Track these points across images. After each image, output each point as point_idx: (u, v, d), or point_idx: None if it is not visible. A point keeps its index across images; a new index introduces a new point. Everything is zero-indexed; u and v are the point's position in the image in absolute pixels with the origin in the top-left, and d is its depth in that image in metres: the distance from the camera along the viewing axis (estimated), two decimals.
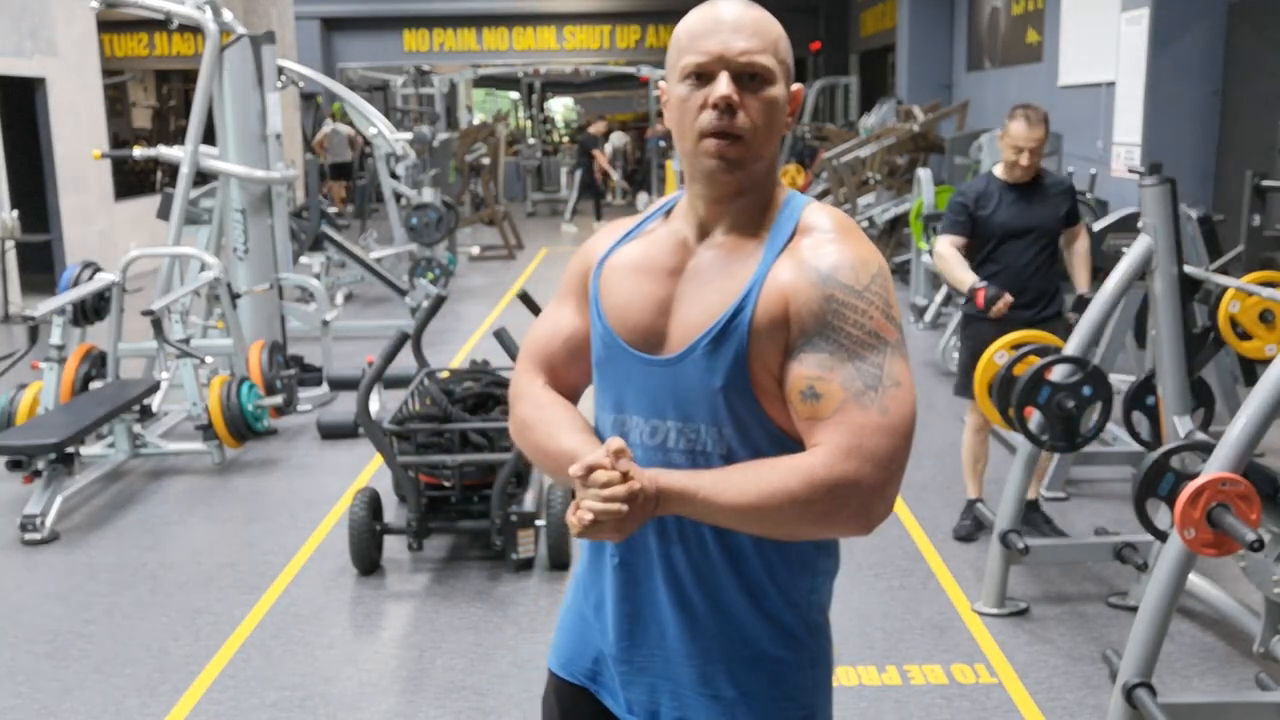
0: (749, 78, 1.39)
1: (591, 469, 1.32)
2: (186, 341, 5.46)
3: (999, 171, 4.24)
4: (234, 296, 6.01)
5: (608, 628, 1.56)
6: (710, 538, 1.46)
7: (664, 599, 1.50)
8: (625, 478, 1.32)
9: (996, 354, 3.93)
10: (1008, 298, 3.94)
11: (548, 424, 1.52)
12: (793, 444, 1.41)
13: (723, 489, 1.36)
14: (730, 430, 1.42)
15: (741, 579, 1.47)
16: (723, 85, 1.37)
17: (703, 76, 1.39)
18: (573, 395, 1.60)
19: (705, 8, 1.43)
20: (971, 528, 4.41)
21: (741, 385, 1.39)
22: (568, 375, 1.59)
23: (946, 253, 4.17)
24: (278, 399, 5.69)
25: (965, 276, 4.07)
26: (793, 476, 1.33)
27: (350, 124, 15.61)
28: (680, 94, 1.42)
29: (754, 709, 1.49)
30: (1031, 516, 4.21)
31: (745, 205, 1.45)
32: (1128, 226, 4.68)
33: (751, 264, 1.42)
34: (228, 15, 6.46)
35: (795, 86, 1.45)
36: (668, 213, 1.55)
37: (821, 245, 1.40)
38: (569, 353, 1.58)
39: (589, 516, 1.31)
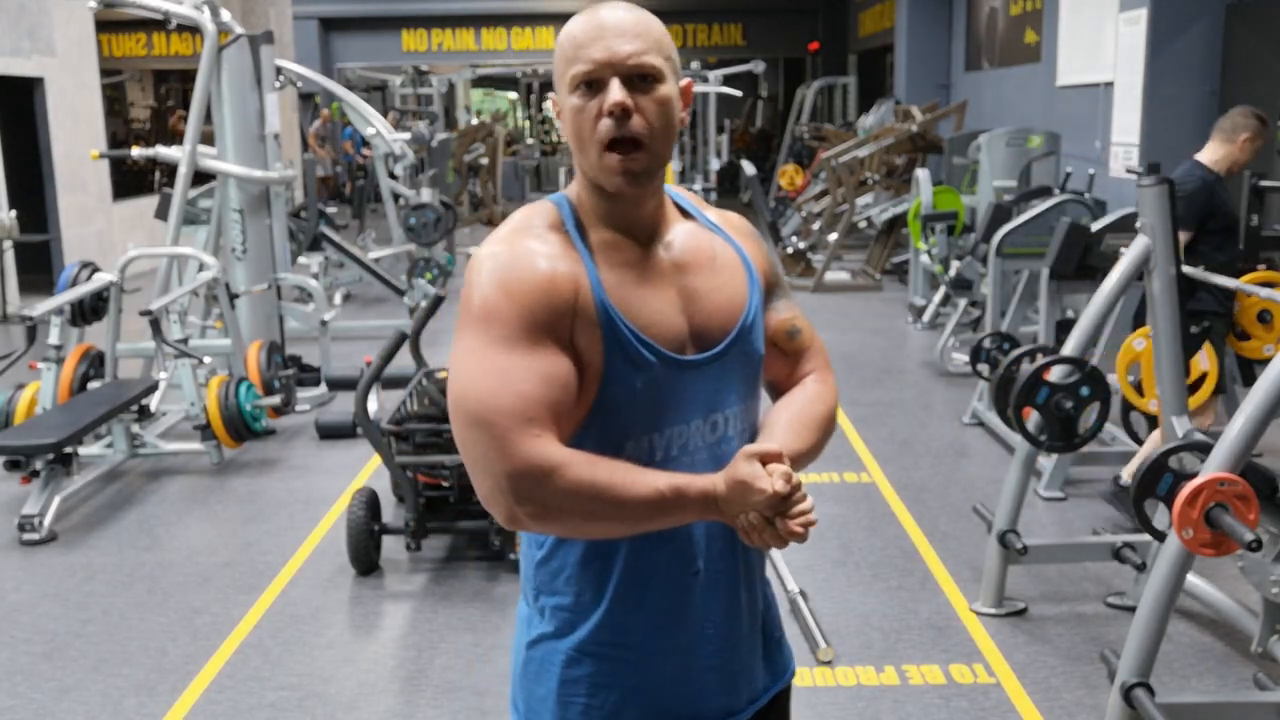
0: (639, 79, 1.38)
1: (791, 480, 1.33)
2: (185, 341, 5.46)
3: (1217, 166, 4.38)
4: (232, 296, 6.01)
5: (698, 648, 1.50)
6: None
7: (740, 583, 1.53)
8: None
9: (1137, 340, 3.97)
10: None
11: (619, 474, 1.34)
12: None
13: (793, 441, 1.48)
14: (754, 394, 1.55)
15: None
16: (615, 92, 1.37)
17: (593, 84, 1.38)
18: None
19: (586, 15, 1.41)
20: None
21: (762, 347, 1.55)
22: (564, 429, 1.38)
23: None
24: (276, 399, 5.68)
25: None
26: (824, 402, 1.57)
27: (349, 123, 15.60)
28: (574, 105, 1.40)
29: (784, 648, 1.66)
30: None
31: (660, 196, 1.49)
32: (1126, 227, 4.68)
33: (721, 244, 1.53)
34: (226, 15, 6.45)
35: (684, 80, 1.46)
36: (577, 225, 1.45)
37: (733, 216, 1.60)
38: (569, 402, 1.38)
39: (801, 527, 1.34)
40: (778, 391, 1.62)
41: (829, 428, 1.56)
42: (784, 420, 1.52)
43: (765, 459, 1.34)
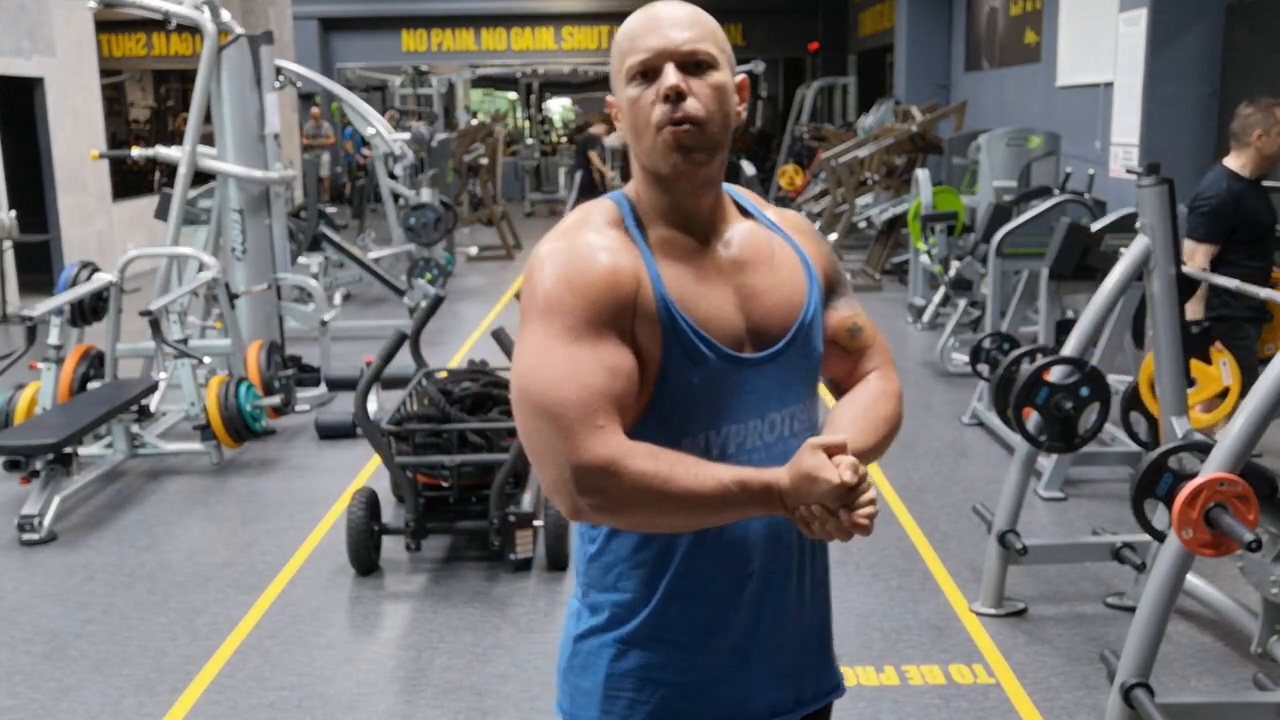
0: (694, 66, 1.41)
1: (859, 470, 1.30)
2: (184, 342, 5.46)
3: (1245, 170, 4.25)
4: (232, 296, 6.01)
5: (748, 648, 1.50)
6: None
7: (793, 585, 1.52)
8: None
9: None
10: None
11: (681, 467, 1.33)
12: None
13: (858, 437, 1.46)
14: (813, 393, 1.54)
15: None
16: (670, 75, 1.39)
17: (649, 74, 1.41)
18: None
19: (642, 11, 1.45)
20: None
21: (821, 346, 1.55)
22: (624, 422, 1.37)
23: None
24: (276, 399, 5.68)
25: None
26: (890, 399, 1.56)
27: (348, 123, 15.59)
28: (630, 95, 1.43)
29: (835, 661, 1.65)
30: None
31: (718, 193, 1.49)
32: (1125, 227, 4.68)
33: (780, 243, 1.53)
34: (225, 15, 6.45)
35: (740, 77, 1.47)
36: (636, 223, 1.46)
37: (791, 215, 1.60)
38: (632, 395, 1.38)
39: (866, 519, 1.30)
40: (840, 390, 1.61)
41: (896, 425, 1.54)
42: (848, 417, 1.51)
43: (830, 450, 1.32)
